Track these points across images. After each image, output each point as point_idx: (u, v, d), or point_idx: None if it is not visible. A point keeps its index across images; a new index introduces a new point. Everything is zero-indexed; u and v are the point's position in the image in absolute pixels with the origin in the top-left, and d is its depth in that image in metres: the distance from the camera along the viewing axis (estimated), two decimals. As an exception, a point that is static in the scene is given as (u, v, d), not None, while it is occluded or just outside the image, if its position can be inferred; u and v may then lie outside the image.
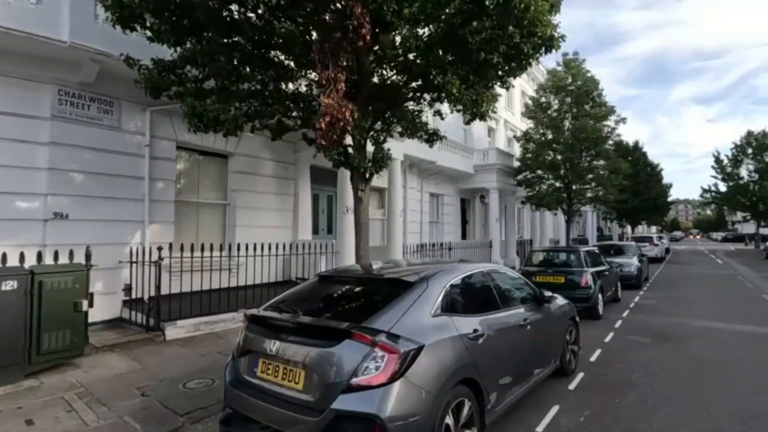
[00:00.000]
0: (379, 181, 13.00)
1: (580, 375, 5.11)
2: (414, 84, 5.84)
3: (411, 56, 5.59)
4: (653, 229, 72.69)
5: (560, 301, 5.15)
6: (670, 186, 45.11)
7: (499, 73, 5.85)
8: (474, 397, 3.10)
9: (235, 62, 5.39)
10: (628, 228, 43.68)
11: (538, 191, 16.68)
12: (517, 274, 4.68)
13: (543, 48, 5.28)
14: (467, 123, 6.41)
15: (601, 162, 16.47)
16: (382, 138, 6.21)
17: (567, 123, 16.44)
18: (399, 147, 11.11)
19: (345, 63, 6.03)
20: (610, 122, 17.10)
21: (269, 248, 7.54)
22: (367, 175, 6.03)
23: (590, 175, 16.30)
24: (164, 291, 6.46)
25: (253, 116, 5.37)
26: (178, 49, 5.27)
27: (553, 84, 16.69)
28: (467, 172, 16.90)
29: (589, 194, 17.31)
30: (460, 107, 5.72)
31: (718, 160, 38.30)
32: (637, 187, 34.10)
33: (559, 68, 17.21)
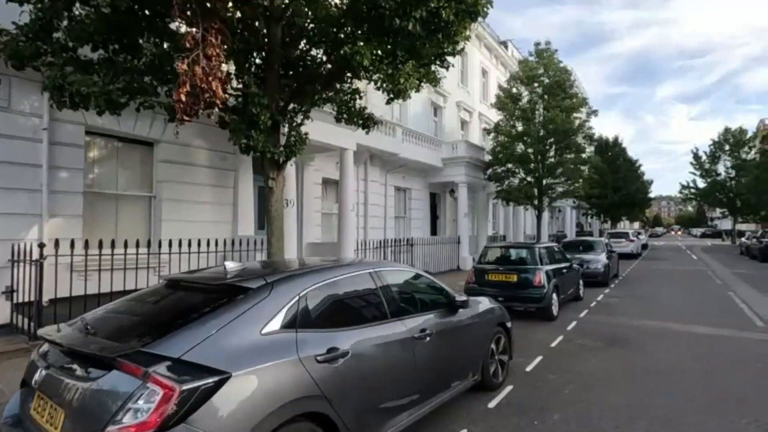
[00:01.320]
0: (336, 173, 12.33)
1: (508, 389, 4.49)
2: (326, 57, 5.12)
3: (323, 25, 4.86)
4: (636, 224, 73.19)
5: (485, 305, 4.51)
6: (651, 182, 45.23)
7: (427, 46, 5.16)
8: (326, 436, 2.43)
9: (112, 29, 4.61)
10: (610, 224, 43.65)
11: (508, 185, 16.13)
12: (428, 278, 4.01)
13: (468, 15, 4.60)
14: (387, 103, 5.73)
15: (571, 155, 15.95)
16: (299, 120, 5.48)
17: (538, 114, 15.90)
18: (351, 136, 10.40)
19: (252, 34, 5.31)
20: (582, 114, 16.60)
21: (205, 244, 6.94)
22: (281, 161, 5.29)
23: (560, 169, 15.79)
24: (66, 293, 5.71)
25: (134, 92, 4.59)
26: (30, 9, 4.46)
27: (525, 74, 16.12)
28: (435, 166, 16.27)
29: (560, 188, 16.82)
30: (381, 84, 5.01)
31: (696, 157, 38.43)
32: (615, 183, 34.01)
33: (531, 58, 16.64)
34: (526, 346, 6.14)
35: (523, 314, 8.13)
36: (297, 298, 2.61)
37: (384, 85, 4.96)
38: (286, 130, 5.49)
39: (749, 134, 36.90)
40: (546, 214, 26.61)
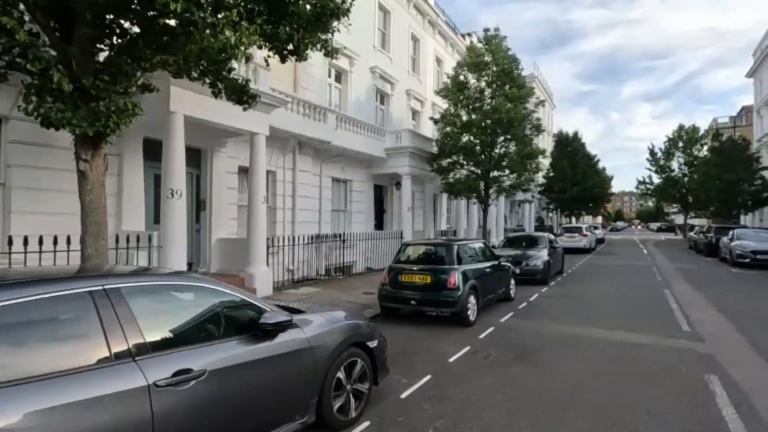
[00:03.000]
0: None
1: (362, 426, 3.57)
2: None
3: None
4: (599, 219, 74.77)
5: (332, 321, 3.54)
6: (611, 178, 46.02)
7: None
8: None
9: None
10: (573, 218, 44.04)
11: (454, 178, 15.36)
12: (226, 292, 2.94)
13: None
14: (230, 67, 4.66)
15: (517, 147, 15.30)
16: (122, 87, 4.33)
17: (485, 104, 15.15)
18: (262, 119, 9.24)
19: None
20: (530, 105, 15.99)
21: (74, 241, 5.82)
22: (90, 134, 4.13)
23: (504, 161, 15.13)
24: None
25: None
26: None
27: (471, 60, 15.31)
28: (379, 156, 15.29)
29: (507, 181, 16.20)
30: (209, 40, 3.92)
31: (652, 153, 39.14)
32: (574, 177, 34.15)
33: (479, 45, 15.86)
34: (421, 360, 5.27)
35: (438, 319, 7.31)
36: None
37: (214, 44, 3.85)
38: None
39: (701, 132, 37.86)
40: (504, 209, 26.29)
